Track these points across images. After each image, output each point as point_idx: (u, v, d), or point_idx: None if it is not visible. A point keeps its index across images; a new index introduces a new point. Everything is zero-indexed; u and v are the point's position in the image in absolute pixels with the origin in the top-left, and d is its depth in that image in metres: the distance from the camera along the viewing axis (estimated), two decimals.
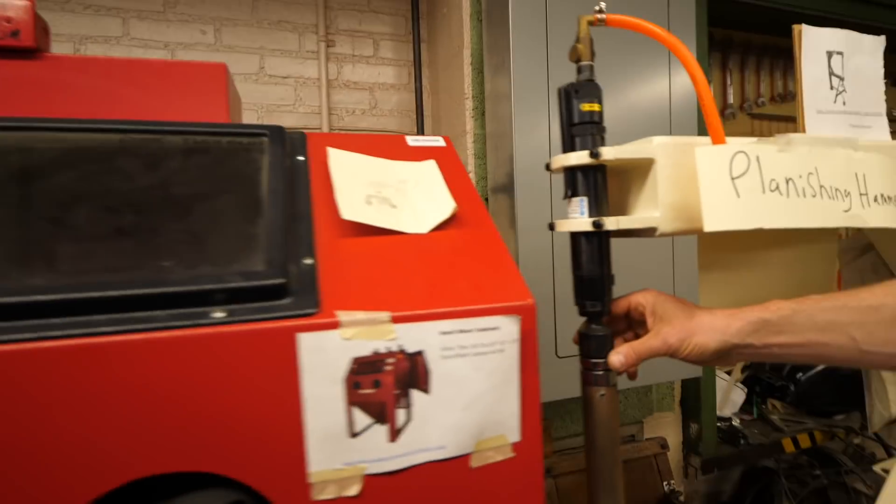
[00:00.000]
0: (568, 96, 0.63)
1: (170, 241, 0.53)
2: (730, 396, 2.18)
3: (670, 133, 1.55)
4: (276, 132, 0.72)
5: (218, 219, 0.57)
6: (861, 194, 0.62)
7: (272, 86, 1.82)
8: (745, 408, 2.22)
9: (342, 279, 0.56)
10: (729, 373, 2.26)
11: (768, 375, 2.23)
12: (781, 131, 0.66)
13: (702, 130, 1.68)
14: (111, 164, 0.61)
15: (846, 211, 0.61)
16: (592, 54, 0.64)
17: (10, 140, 0.61)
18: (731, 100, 2.32)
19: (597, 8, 0.63)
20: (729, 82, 2.31)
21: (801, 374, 2.13)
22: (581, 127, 0.62)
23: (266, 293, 0.50)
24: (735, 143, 0.60)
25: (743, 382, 2.30)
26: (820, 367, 2.13)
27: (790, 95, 2.38)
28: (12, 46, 0.73)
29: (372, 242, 0.62)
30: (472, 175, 1.57)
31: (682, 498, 1.59)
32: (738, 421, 2.09)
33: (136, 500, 0.47)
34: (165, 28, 1.69)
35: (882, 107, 0.80)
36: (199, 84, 0.82)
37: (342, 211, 0.61)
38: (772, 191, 0.58)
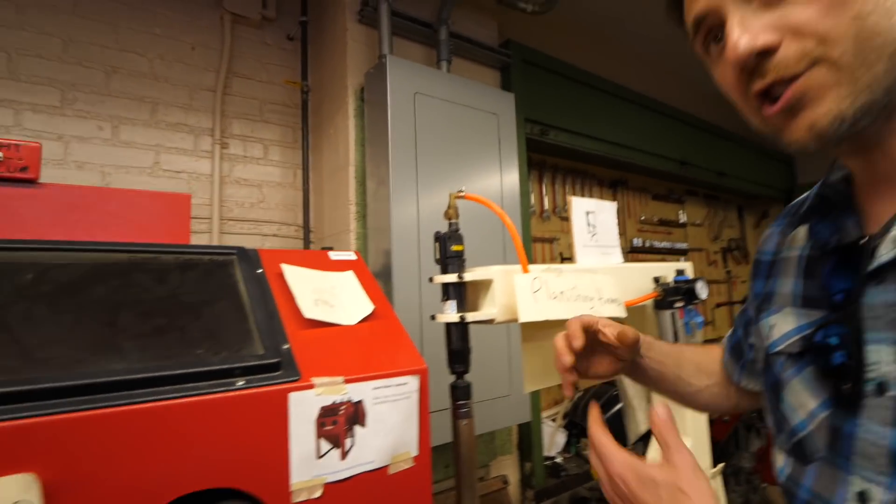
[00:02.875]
0: (444, 241, 1.05)
1: (195, 335, 0.80)
2: (555, 439, 2.73)
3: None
4: (242, 252, 1.02)
5: (221, 318, 0.86)
6: (599, 298, 1.12)
7: (166, 179, 2.00)
8: (566, 447, 2.77)
9: (309, 356, 0.88)
10: (554, 420, 2.82)
11: (581, 419, 2.82)
12: None
13: (525, 212, 2.29)
14: (130, 278, 0.86)
15: (591, 308, 1.10)
16: (458, 215, 1.07)
17: (44, 258, 0.83)
18: (546, 206, 3.05)
19: (461, 189, 1.07)
20: (545, 193, 3.04)
21: (603, 415, 2.75)
22: (451, 259, 1.04)
23: (268, 368, 0.80)
24: (535, 270, 1.06)
25: (564, 427, 2.87)
26: (616, 408, 2.78)
27: None
28: (21, 178, 0.94)
29: (321, 331, 0.95)
30: None
31: None
32: (561, 458, 2.62)
33: None
34: (61, 121, 1.81)
35: (616, 242, 1.36)
36: (169, 210, 1.08)
37: (304, 312, 0.93)
38: (554, 298, 1.05)
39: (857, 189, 0.59)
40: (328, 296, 1.02)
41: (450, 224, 1.06)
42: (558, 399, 3.05)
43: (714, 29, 0.53)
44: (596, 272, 1.15)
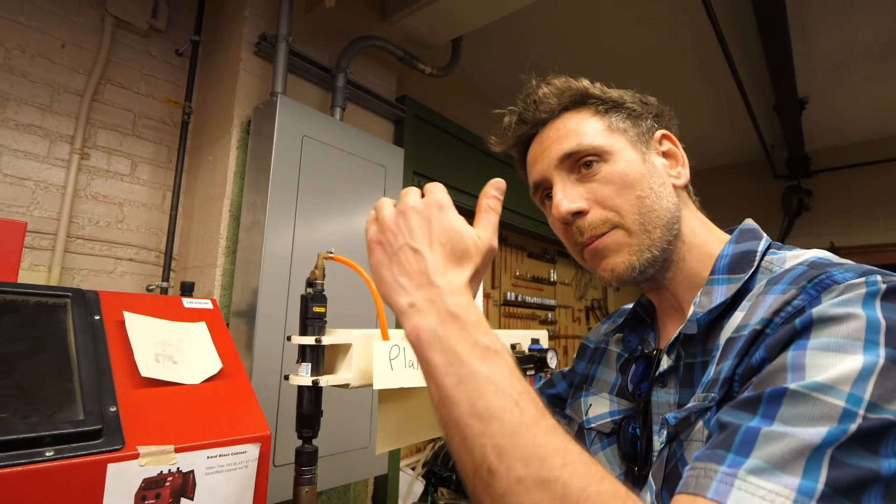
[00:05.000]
0: (307, 301, 1.04)
1: (2, 395, 0.72)
2: (412, 488, 2.73)
3: None
4: (78, 294, 0.94)
5: (40, 374, 0.78)
6: None
7: (6, 185, 1.77)
8: (423, 497, 2.79)
9: (140, 420, 0.82)
10: (413, 468, 2.84)
11: (440, 469, 2.86)
12: None
13: None
14: None
15: None
16: (324, 276, 1.08)
17: None
18: None
19: (330, 251, 1.09)
20: None
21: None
22: (311, 321, 1.04)
23: (87, 436, 0.74)
24: (394, 338, 1.09)
25: (423, 476, 2.89)
26: None
27: None
28: None
29: (159, 391, 0.89)
30: (217, 300, 1.82)
31: None
32: None
33: None
34: None
35: None
36: None
37: (141, 370, 0.87)
38: (410, 366, 1.09)
39: (656, 313, 0.76)
40: (173, 350, 0.97)
41: (314, 284, 1.07)
42: (420, 447, 3.07)
43: (547, 190, 0.72)
44: None
